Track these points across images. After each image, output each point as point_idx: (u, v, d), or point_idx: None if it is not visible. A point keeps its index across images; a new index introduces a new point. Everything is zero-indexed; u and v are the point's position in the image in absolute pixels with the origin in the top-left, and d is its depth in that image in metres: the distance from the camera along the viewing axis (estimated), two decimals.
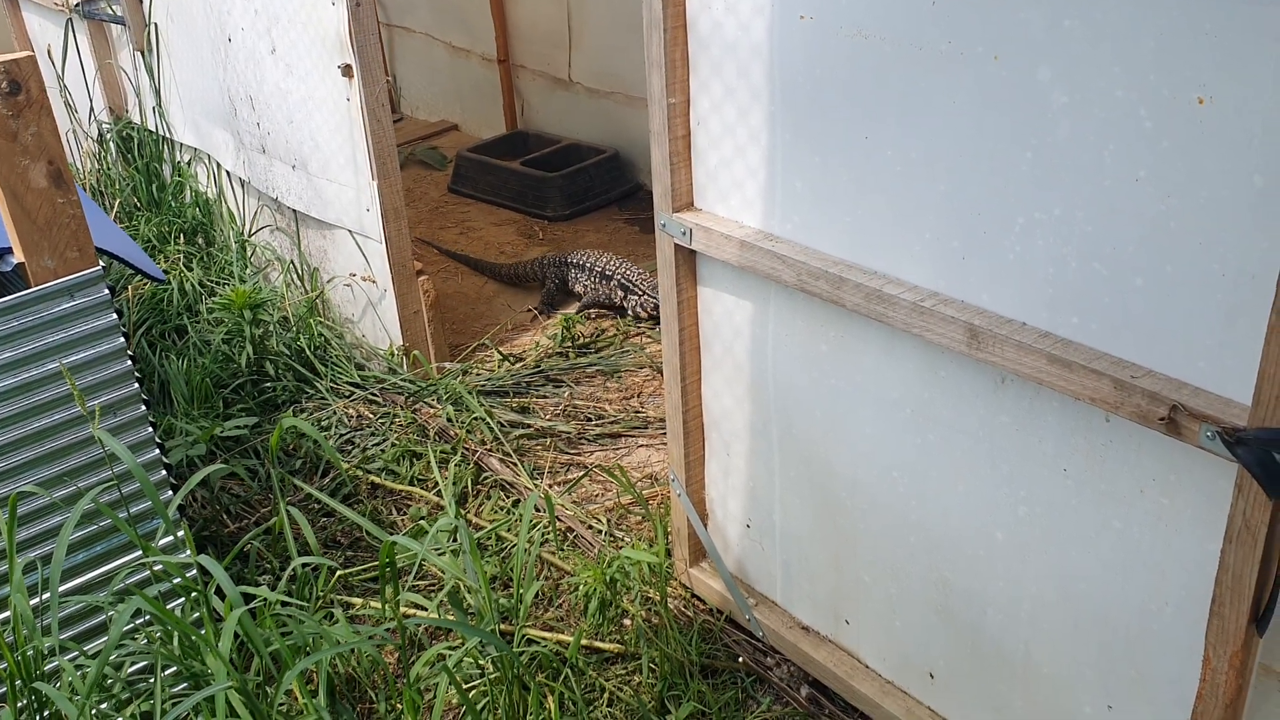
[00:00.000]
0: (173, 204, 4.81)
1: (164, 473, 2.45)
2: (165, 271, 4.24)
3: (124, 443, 2.26)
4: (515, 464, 3.26)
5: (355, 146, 3.48)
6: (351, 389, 3.67)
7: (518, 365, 3.85)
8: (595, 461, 3.31)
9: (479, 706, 2.29)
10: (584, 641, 2.55)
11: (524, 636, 2.54)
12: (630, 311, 4.15)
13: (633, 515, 3.06)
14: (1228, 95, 1.36)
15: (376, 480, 3.24)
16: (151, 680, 2.25)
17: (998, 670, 2.02)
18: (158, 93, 4.75)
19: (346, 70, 3.35)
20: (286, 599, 2.36)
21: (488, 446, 3.34)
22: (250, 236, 4.38)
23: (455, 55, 6.38)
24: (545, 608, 2.72)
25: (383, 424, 3.47)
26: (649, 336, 4.03)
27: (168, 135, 4.83)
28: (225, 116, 4.19)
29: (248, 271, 4.32)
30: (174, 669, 2.20)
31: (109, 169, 5.11)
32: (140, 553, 2.32)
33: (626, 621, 2.63)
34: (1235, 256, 1.41)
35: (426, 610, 2.62)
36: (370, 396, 3.62)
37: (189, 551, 2.27)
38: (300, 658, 2.11)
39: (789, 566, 2.44)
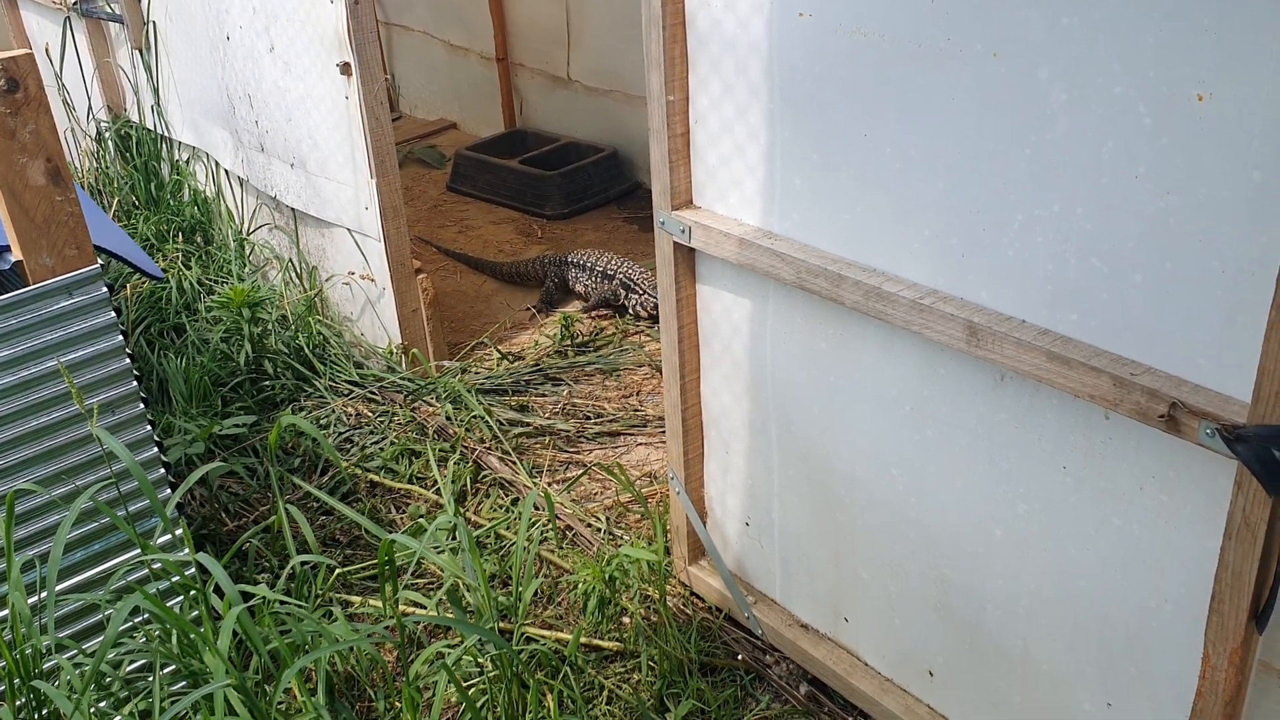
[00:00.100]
0: (171, 202, 4.81)
1: (162, 471, 2.45)
2: (164, 270, 4.24)
3: (122, 441, 2.26)
4: (514, 462, 3.25)
5: (354, 145, 3.48)
6: (350, 387, 3.67)
7: (517, 364, 3.84)
8: (594, 460, 3.31)
9: (478, 704, 2.29)
10: (583, 639, 2.55)
11: (523, 634, 2.54)
12: (631, 310, 4.15)
13: (632, 513, 3.06)
14: (1227, 91, 1.36)
15: (375, 478, 3.24)
16: (150, 678, 2.25)
17: (996, 667, 2.02)
18: (156, 91, 4.75)
19: (345, 68, 3.35)
20: (285, 597, 2.36)
21: (486, 445, 3.34)
22: (249, 235, 4.37)
23: (454, 53, 6.38)
24: (544, 606, 2.72)
25: (381, 422, 3.47)
26: (648, 335, 4.03)
27: (166, 134, 4.83)
28: (224, 115, 4.19)
29: (246, 270, 4.32)
30: (172, 667, 2.19)
31: (107, 167, 5.10)
32: (138, 551, 2.31)
33: (625, 619, 2.63)
34: (1235, 253, 1.41)
35: (425, 608, 2.61)
36: (369, 395, 3.61)
37: (187, 550, 2.27)
38: (299, 656, 2.11)
39: (788, 564, 2.44)
